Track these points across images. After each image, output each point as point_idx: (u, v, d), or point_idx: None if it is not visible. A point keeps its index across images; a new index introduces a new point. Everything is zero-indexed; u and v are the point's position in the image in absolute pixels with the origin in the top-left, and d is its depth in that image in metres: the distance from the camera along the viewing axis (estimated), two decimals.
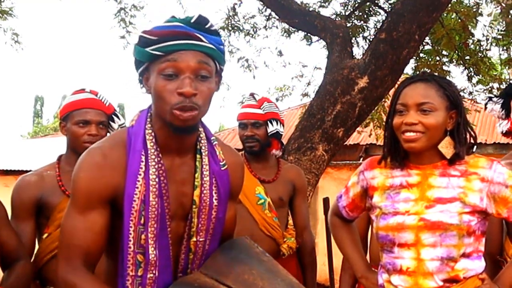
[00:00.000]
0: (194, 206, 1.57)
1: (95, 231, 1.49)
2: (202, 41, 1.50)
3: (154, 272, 1.53)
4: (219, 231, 1.64)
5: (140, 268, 1.52)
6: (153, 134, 1.55)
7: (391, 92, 4.69)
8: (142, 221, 1.51)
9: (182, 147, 1.59)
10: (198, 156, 1.60)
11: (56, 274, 1.51)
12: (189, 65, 1.48)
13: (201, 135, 1.62)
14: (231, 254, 1.62)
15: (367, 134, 8.23)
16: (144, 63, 1.54)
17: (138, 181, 1.50)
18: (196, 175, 1.58)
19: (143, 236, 1.51)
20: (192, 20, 1.51)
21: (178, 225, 1.59)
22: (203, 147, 1.61)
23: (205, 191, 1.58)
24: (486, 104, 2.43)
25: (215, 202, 1.60)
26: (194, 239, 1.58)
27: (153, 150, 1.53)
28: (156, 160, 1.53)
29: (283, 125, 3.03)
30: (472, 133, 1.84)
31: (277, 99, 7.70)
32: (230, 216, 1.70)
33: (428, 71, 5.98)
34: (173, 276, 1.59)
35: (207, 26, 1.53)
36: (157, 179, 1.52)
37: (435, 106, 1.78)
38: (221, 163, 1.63)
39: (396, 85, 5.06)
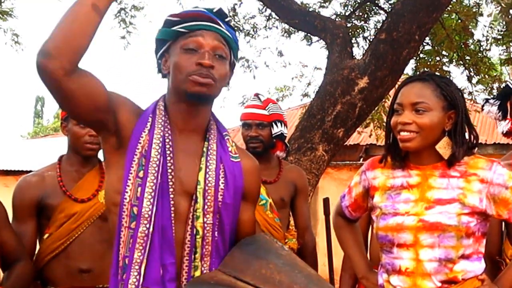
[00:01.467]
0: (199, 187, 1.60)
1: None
2: (221, 26, 1.64)
3: (147, 226, 1.52)
4: (227, 219, 1.63)
5: (134, 221, 1.53)
6: (163, 106, 1.64)
7: (391, 92, 4.69)
8: (140, 175, 1.54)
9: (190, 126, 1.64)
10: (206, 143, 1.65)
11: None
12: (209, 42, 1.60)
13: (212, 126, 1.69)
14: (249, 250, 1.62)
15: (367, 135, 8.23)
16: (166, 42, 1.64)
17: (142, 136, 1.57)
18: (202, 159, 1.63)
19: (139, 189, 1.54)
20: (214, 10, 1.66)
21: (181, 203, 1.59)
22: (211, 136, 1.66)
23: (210, 173, 1.61)
24: (483, 106, 2.43)
25: (221, 186, 1.62)
26: (201, 220, 1.58)
27: (161, 116, 1.61)
28: (162, 124, 1.60)
29: (286, 127, 3.04)
30: (473, 133, 1.83)
31: (277, 99, 7.70)
32: (247, 219, 1.71)
33: (429, 71, 5.98)
34: (179, 258, 1.58)
35: (226, 20, 1.67)
36: (161, 139, 1.58)
37: (430, 106, 1.77)
38: (231, 154, 1.67)
39: (397, 85, 5.07)
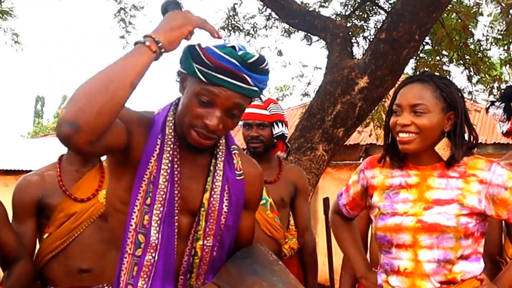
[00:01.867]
0: (202, 209, 1.57)
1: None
2: (248, 83, 1.49)
3: (153, 255, 1.52)
4: (228, 239, 1.62)
5: (140, 248, 1.52)
6: (173, 122, 1.56)
7: (391, 92, 4.69)
8: (148, 202, 1.52)
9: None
10: (213, 161, 1.61)
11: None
12: (225, 103, 1.48)
13: (221, 141, 1.63)
14: (244, 264, 1.61)
15: (367, 134, 8.23)
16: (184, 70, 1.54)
17: (150, 162, 1.52)
18: (209, 179, 1.59)
19: (146, 217, 1.52)
20: (250, 61, 1.49)
21: (184, 220, 1.58)
22: (220, 153, 1.62)
23: (215, 196, 1.58)
24: (487, 108, 2.42)
25: (224, 209, 1.59)
26: (201, 242, 1.57)
27: (170, 137, 1.55)
28: (171, 146, 1.54)
29: (287, 127, 3.04)
30: (473, 134, 1.82)
31: (277, 99, 7.70)
32: (247, 226, 1.69)
33: (428, 71, 5.98)
34: (175, 276, 1.58)
35: (261, 67, 1.52)
36: (169, 164, 1.53)
37: (429, 108, 1.76)
38: (237, 172, 1.63)
39: (397, 85, 5.07)
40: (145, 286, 1.52)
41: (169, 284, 1.56)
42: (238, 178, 1.63)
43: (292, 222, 3.12)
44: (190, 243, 1.58)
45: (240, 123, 3.07)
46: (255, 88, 1.51)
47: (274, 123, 2.97)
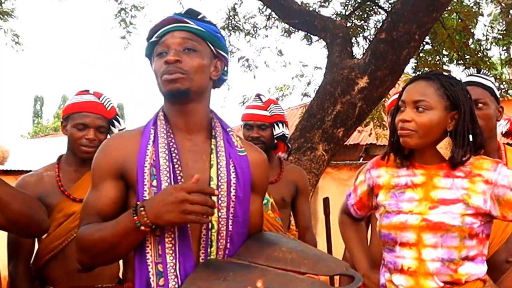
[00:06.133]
0: (212, 182, 1.63)
1: (107, 200, 1.64)
2: (189, 23, 1.66)
3: (172, 230, 1.57)
4: (240, 211, 1.67)
5: (158, 229, 1.57)
6: (163, 115, 1.70)
7: (391, 92, 4.69)
8: (154, 183, 1.59)
9: (191, 126, 1.68)
10: (213, 140, 1.69)
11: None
12: (174, 41, 1.64)
13: (216, 124, 1.73)
14: (261, 240, 1.69)
15: (367, 134, 8.23)
16: (151, 57, 1.71)
17: (148, 149, 1.62)
18: (212, 155, 1.67)
19: None
20: (183, 12, 1.71)
21: None
22: (217, 133, 1.70)
23: (221, 169, 1.65)
24: None
25: (233, 180, 1.66)
26: (216, 215, 1.61)
27: (162, 125, 1.67)
28: (165, 132, 1.65)
29: (288, 127, 3.04)
30: (479, 135, 1.82)
31: (277, 99, 7.70)
32: (255, 209, 1.74)
33: (428, 71, 5.98)
34: (196, 252, 1.62)
35: (199, 17, 1.70)
36: (166, 146, 1.62)
37: (431, 105, 1.77)
38: (238, 149, 1.71)
39: (397, 85, 5.08)
40: (174, 261, 1.57)
41: (191, 258, 1.60)
42: (240, 154, 1.70)
43: (293, 222, 3.13)
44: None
45: (241, 124, 3.07)
46: (200, 28, 1.66)
47: (275, 124, 2.97)
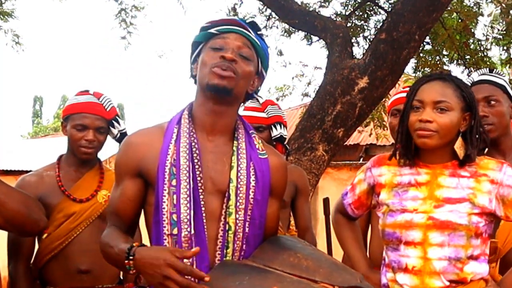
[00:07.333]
0: (232, 184, 1.66)
1: (124, 198, 1.69)
2: (251, 33, 1.74)
3: (188, 230, 1.60)
4: (258, 214, 1.69)
5: (176, 227, 1.61)
6: (188, 114, 1.72)
7: (392, 92, 4.69)
8: (174, 183, 1.62)
9: (217, 127, 1.71)
10: (235, 142, 1.72)
11: None
12: (234, 42, 1.70)
13: (239, 126, 1.76)
14: (277, 244, 1.70)
15: (367, 134, 8.22)
16: (199, 45, 1.75)
17: (170, 148, 1.65)
18: (233, 157, 1.69)
19: (175, 197, 1.62)
20: (248, 21, 1.79)
21: (213, 202, 1.66)
22: (240, 135, 1.73)
23: (241, 171, 1.67)
24: None
25: (252, 183, 1.68)
26: (233, 216, 1.64)
27: (186, 124, 1.69)
28: (187, 131, 1.68)
29: (286, 128, 3.01)
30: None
31: (277, 99, 7.70)
32: (272, 213, 1.75)
33: (428, 71, 5.98)
34: (212, 253, 1.64)
35: (259, 32, 1.78)
36: (188, 146, 1.65)
37: (452, 106, 1.77)
38: (259, 151, 1.73)
39: (397, 85, 5.08)
40: (189, 261, 1.58)
41: (206, 259, 1.62)
42: (261, 156, 1.73)
43: (292, 222, 3.12)
44: (224, 218, 1.66)
45: None
46: (256, 40, 1.73)
47: (272, 126, 2.94)
